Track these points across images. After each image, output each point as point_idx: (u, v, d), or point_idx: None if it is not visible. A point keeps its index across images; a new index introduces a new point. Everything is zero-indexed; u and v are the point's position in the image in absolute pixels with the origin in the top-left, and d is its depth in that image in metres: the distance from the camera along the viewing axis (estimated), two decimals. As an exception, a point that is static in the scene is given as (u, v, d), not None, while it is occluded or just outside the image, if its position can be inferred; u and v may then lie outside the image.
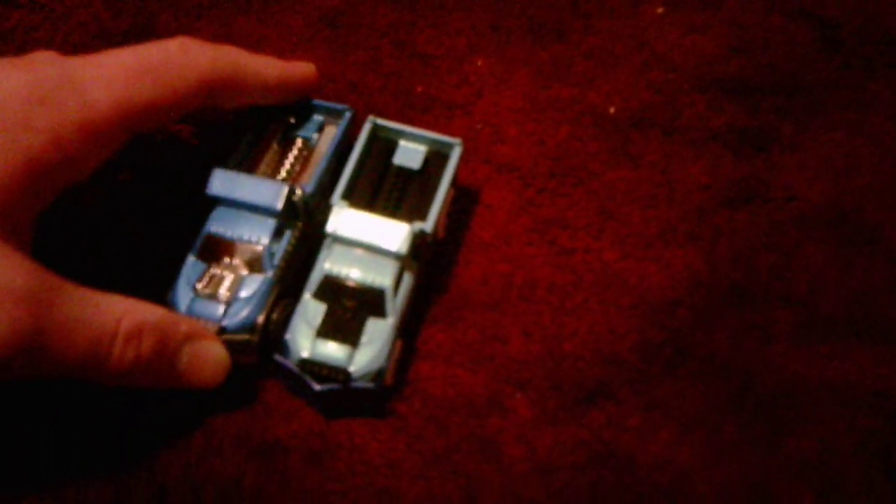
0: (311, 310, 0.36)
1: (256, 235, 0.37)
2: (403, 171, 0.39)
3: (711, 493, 0.34)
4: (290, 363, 0.35)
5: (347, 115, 0.40)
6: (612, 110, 0.45)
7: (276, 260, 0.36)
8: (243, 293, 0.36)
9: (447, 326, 0.38)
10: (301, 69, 0.40)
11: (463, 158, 0.40)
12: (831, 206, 0.42)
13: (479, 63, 0.47)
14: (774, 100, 0.45)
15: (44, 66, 0.32)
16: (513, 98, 0.45)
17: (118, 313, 0.31)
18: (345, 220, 0.36)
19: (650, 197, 0.42)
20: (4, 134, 0.30)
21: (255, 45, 0.47)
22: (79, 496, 0.34)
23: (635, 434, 0.36)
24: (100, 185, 0.38)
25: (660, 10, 0.48)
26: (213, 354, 0.34)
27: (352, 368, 0.34)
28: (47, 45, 0.47)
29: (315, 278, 0.36)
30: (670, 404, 0.36)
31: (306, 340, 0.35)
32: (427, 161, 0.40)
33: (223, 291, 0.36)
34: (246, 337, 0.35)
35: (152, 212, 0.41)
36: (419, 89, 0.46)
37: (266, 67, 0.38)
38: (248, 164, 0.39)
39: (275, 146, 0.40)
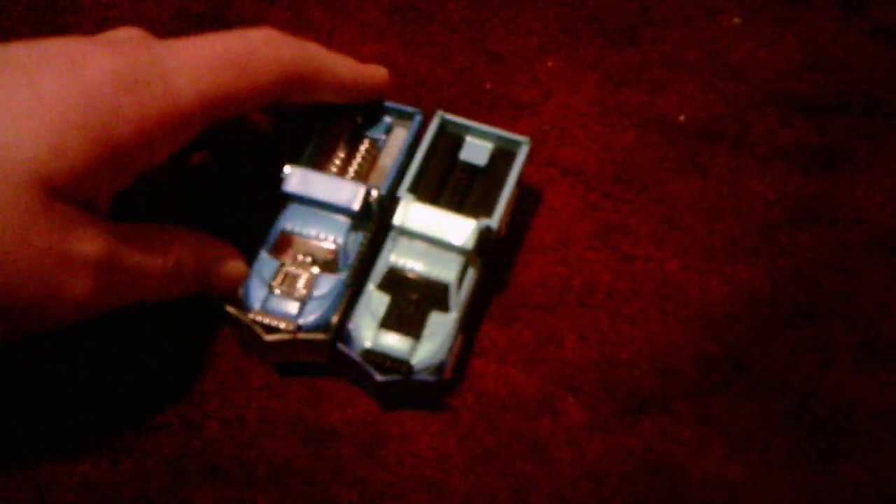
0: (375, 301, 0.36)
1: (331, 234, 0.37)
2: (469, 167, 0.40)
3: (761, 513, 0.34)
4: (354, 353, 0.35)
5: (418, 118, 0.40)
6: (681, 118, 0.44)
7: (350, 260, 0.37)
8: (318, 292, 0.36)
9: (503, 325, 0.38)
10: (376, 73, 0.40)
11: (528, 159, 0.40)
12: (900, 230, 0.41)
13: (549, 64, 0.46)
14: (847, 119, 0.44)
15: (133, 52, 0.33)
16: (581, 101, 0.45)
17: (165, 245, 0.34)
18: (412, 213, 0.37)
19: (715, 209, 0.41)
20: (93, 119, 0.31)
21: (326, 34, 0.47)
22: (135, 467, 0.35)
23: (688, 447, 0.35)
24: (174, 165, 0.39)
25: (736, 21, 0.48)
26: (237, 271, 0.37)
27: (413, 361, 0.35)
28: (124, 22, 0.47)
29: (380, 270, 0.36)
30: (724, 420, 0.36)
31: (369, 331, 0.35)
32: (493, 158, 0.40)
33: (299, 289, 0.36)
34: (321, 336, 0.35)
35: (223, 198, 0.41)
36: (488, 86, 0.46)
37: (344, 68, 0.38)
38: (316, 163, 0.39)
39: (343, 146, 0.40)
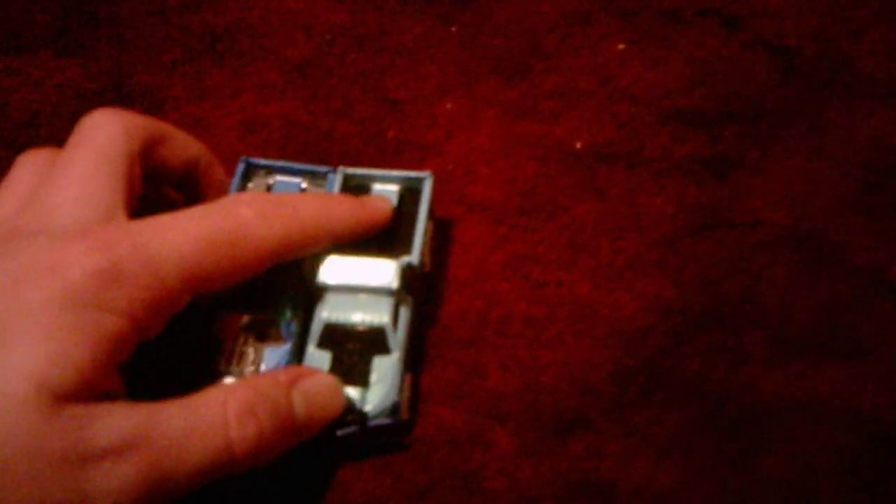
0: (317, 360, 0.36)
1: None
2: None
3: (691, 516, 0.35)
4: None
5: (331, 177, 0.41)
6: (578, 145, 0.46)
7: (293, 329, 0.37)
8: (265, 367, 0.36)
9: (426, 365, 0.39)
10: (376, 210, 0.39)
11: (436, 199, 0.41)
12: (795, 228, 0.43)
13: (448, 105, 0.48)
14: (735, 128, 0.47)
15: (112, 242, 0.31)
16: (482, 137, 0.47)
17: (219, 400, 0.31)
18: (334, 267, 0.37)
19: (618, 228, 0.43)
20: (85, 320, 0.30)
21: (228, 98, 0.48)
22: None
23: (614, 461, 0.36)
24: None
25: (621, 47, 0.50)
26: (323, 385, 0.35)
27: (367, 408, 0.35)
28: (24, 107, 0.48)
29: (315, 329, 0.37)
30: (647, 430, 0.37)
31: None
32: (402, 199, 0.41)
33: (248, 366, 0.36)
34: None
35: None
36: (391, 134, 0.47)
37: (342, 220, 0.38)
38: None
39: None
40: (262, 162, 0.41)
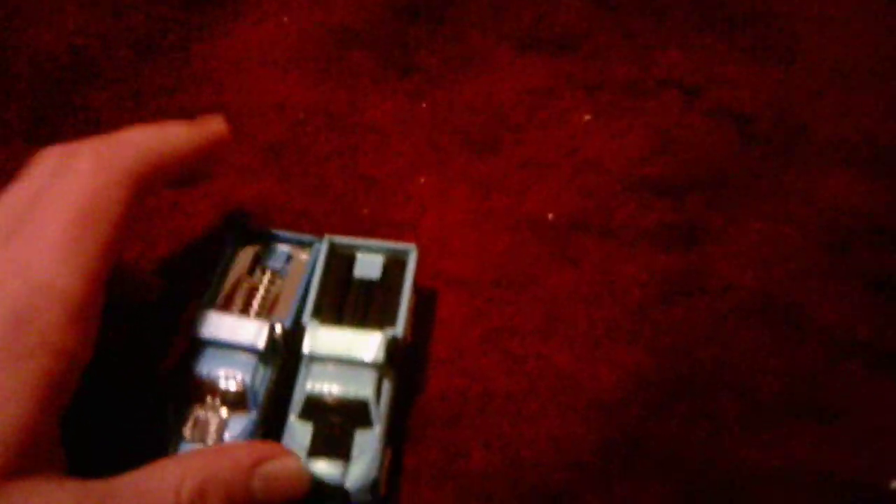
0: (299, 431, 0.36)
1: (238, 374, 0.37)
2: (364, 283, 0.41)
3: (678, 587, 0.36)
4: None
5: (317, 245, 0.42)
6: (550, 216, 0.47)
7: (260, 398, 0.37)
8: (229, 435, 0.36)
9: (410, 446, 0.39)
10: (210, 124, 0.39)
11: (417, 264, 0.41)
12: (763, 292, 0.44)
13: (422, 181, 0.49)
14: (700, 194, 0.48)
15: (7, 281, 0.30)
16: (455, 212, 0.47)
17: (175, 481, 0.30)
18: (319, 338, 0.38)
19: (593, 297, 0.44)
20: (12, 368, 0.28)
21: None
22: None
23: (600, 535, 0.37)
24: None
25: (587, 118, 0.51)
26: (287, 470, 0.34)
27: (347, 484, 0.35)
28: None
29: (298, 399, 0.37)
30: (633, 501, 0.38)
31: None
32: (385, 270, 0.42)
33: (210, 434, 0.36)
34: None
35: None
36: (365, 211, 0.48)
37: (176, 136, 0.37)
38: (219, 300, 0.40)
39: (245, 279, 0.41)
40: (254, 229, 0.43)
